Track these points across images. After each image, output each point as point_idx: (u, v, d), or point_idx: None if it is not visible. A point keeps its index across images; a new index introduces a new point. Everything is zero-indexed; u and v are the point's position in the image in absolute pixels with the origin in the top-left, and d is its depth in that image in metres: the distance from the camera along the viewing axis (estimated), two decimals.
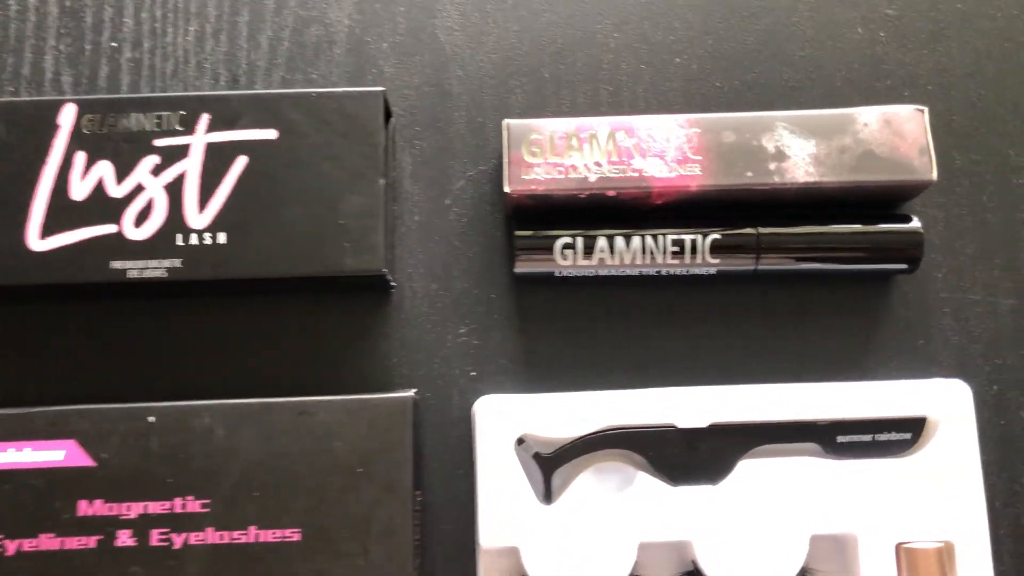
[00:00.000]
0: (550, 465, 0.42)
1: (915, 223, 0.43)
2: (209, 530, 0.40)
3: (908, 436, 0.42)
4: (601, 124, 0.43)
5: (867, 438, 0.42)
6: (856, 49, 0.47)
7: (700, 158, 0.42)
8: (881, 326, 0.45)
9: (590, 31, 0.47)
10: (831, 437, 0.42)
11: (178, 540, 0.40)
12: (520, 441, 0.42)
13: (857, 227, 0.43)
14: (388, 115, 0.46)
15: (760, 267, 0.43)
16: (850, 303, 0.45)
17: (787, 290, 0.45)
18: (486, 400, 0.42)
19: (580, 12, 0.48)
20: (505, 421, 0.42)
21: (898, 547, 0.41)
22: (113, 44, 0.47)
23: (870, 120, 0.43)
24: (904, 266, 0.44)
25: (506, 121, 0.42)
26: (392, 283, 0.45)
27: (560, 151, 0.42)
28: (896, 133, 0.43)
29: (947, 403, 0.42)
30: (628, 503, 0.42)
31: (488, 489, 0.42)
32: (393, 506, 0.41)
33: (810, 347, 0.44)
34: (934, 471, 0.42)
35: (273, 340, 0.44)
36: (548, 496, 0.42)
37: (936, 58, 0.47)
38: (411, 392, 0.42)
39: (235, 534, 0.40)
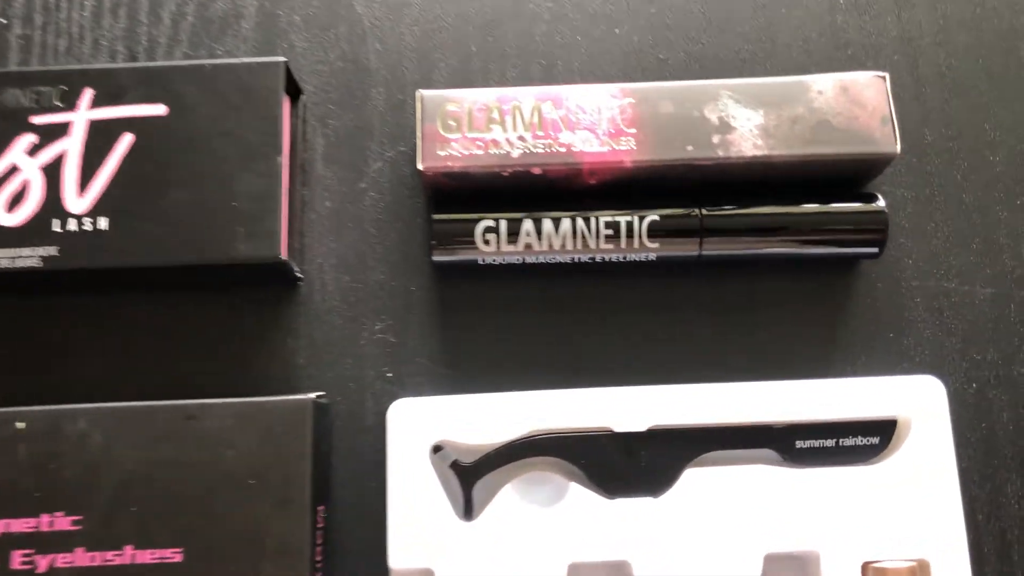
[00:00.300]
0: (470, 476, 0.37)
1: (880, 202, 0.39)
2: (79, 551, 0.35)
3: (876, 440, 0.37)
4: (525, 95, 0.39)
5: (830, 443, 0.37)
6: (813, 17, 0.43)
7: (635, 131, 0.38)
8: (844, 318, 0.40)
9: (520, 1, 0.44)
10: (789, 442, 0.37)
11: (43, 563, 0.35)
12: (437, 449, 0.37)
13: (814, 207, 0.39)
14: (297, 92, 0.42)
15: (705, 252, 0.39)
16: (808, 292, 0.40)
17: (736, 278, 0.40)
18: (401, 404, 0.38)
19: None
20: (421, 426, 0.37)
21: (865, 566, 0.36)
22: (2, 21, 0.43)
23: (825, 88, 0.38)
24: (869, 251, 0.39)
25: (420, 92, 0.38)
26: (299, 275, 0.40)
27: (480, 124, 0.38)
28: (854, 102, 0.38)
29: (920, 403, 0.38)
30: (559, 518, 0.37)
31: (400, 503, 0.37)
32: (289, 522, 0.36)
33: (763, 342, 0.40)
34: (906, 480, 0.37)
35: (163, 338, 0.39)
36: (468, 511, 0.37)
37: (902, 26, 0.43)
38: (312, 395, 0.37)
39: (109, 555, 0.35)
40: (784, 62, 0.43)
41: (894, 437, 0.37)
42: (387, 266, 0.41)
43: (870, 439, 0.38)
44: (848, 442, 0.37)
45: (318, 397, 0.37)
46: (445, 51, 0.43)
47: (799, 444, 0.38)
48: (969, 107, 0.42)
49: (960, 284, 0.40)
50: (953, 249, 0.41)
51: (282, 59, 0.39)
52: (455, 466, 0.37)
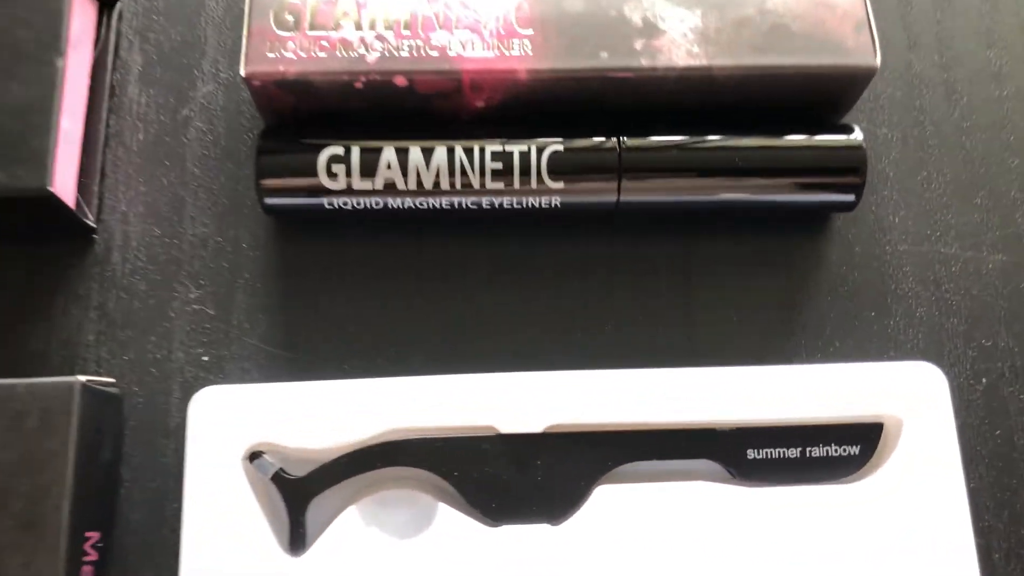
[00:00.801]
0: (301, 493, 0.27)
1: (856, 134, 0.30)
2: None
3: (856, 450, 0.28)
4: None
5: (793, 453, 0.28)
6: None
7: (532, 32, 0.29)
8: (811, 289, 0.30)
9: None
10: (737, 452, 0.28)
11: None
12: (255, 456, 0.27)
13: (768, 139, 0.29)
14: None
15: (625, 197, 0.29)
16: (764, 255, 0.31)
17: (667, 233, 0.31)
18: (208, 394, 0.27)
19: None
20: (234, 424, 0.27)
21: None
22: None
23: None
24: (842, 198, 0.30)
25: None
26: (91, 223, 0.30)
27: (325, 20, 0.29)
28: (820, 3, 0.29)
29: (913, 399, 0.28)
30: (422, 552, 0.27)
31: (200, 530, 0.26)
32: (38, 551, 0.25)
33: (702, 318, 0.30)
34: (896, 504, 0.27)
35: None
36: (297, 542, 0.27)
37: None
38: (81, 377, 0.27)
39: None
40: None
41: (879, 446, 0.28)
42: (212, 216, 0.31)
43: (847, 448, 0.28)
44: (817, 452, 0.28)
45: (92, 382, 0.27)
46: None
47: (751, 454, 0.28)
48: (968, 31, 0.33)
49: (962, 249, 0.31)
50: (952, 205, 0.31)
51: None
52: (279, 480, 0.27)
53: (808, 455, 0.28)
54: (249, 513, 0.27)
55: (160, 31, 0.33)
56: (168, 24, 0.33)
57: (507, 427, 0.27)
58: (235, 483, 0.27)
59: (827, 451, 0.28)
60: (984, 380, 0.30)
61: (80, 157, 0.31)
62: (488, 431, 0.27)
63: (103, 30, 0.32)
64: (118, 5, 0.33)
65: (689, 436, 0.28)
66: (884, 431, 0.28)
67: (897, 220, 0.31)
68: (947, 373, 0.28)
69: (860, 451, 0.28)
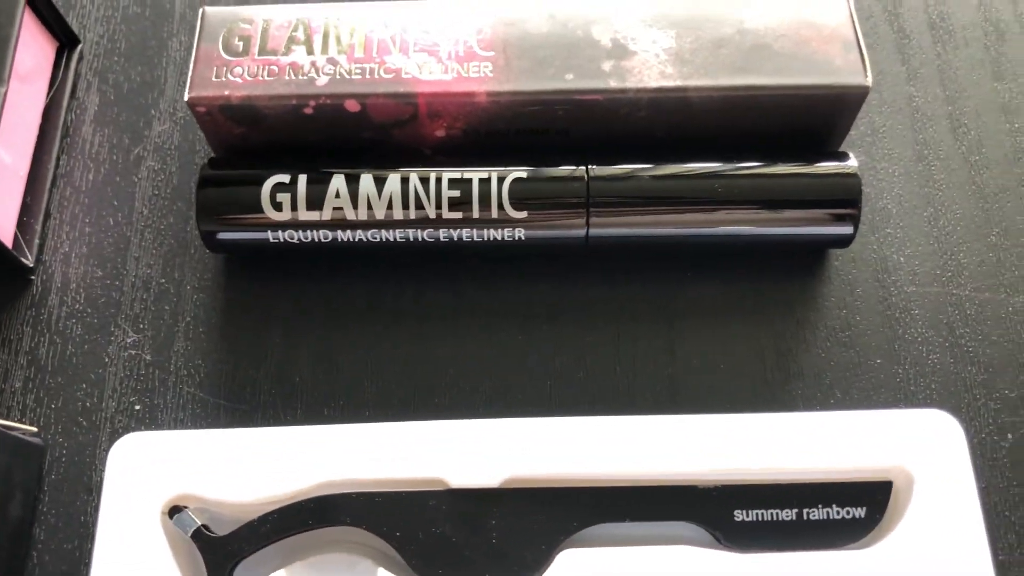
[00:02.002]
0: (225, 555, 0.24)
1: (849, 161, 0.27)
2: None
3: (861, 512, 0.24)
4: (348, 9, 0.28)
5: (788, 516, 0.24)
6: None
7: (493, 54, 0.27)
8: (808, 333, 0.27)
9: None
10: (723, 513, 0.24)
11: None
12: (175, 510, 0.24)
13: (753, 166, 0.27)
14: (72, 40, 0.32)
15: (595, 231, 0.27)
16: (755, 295, 0.28)
17: (642, 271, 0.28)
18: (130, 440, 0.25)
19: None
20: (153, 474, 0.24)
21: None
22: None
23: (762, 5, 0.28)
24: (836, 231, 0.27)
25: (203, 8, 0.28)
26: (27, 263, 0.28)
27: (276, 45, 0.27)
28: (805, 22, 0.27)
29: (924, 451, 0.24)
30: None
31: None
32: None
33: (687, 363, 0.27)
34: None
35: None
36: None
37: None
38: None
39: None
40: None
41: (888, 507, 0.24)
42: (156, 257, 0.29)
43: (851, 510, 0.24)
44: (816, 514, 0.24)
45: (7, 427, 0.25)
46: None
47: (739, 516, 0.24)
48: (972, 62, 0.31)
49: (977, 291, 0.28)
50: (964, 243, 0.28)
51: None
52: (201, 538, 0.24)
53: (805, 518, 0.24)
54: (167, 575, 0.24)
55: (120, 71, 0.32)
56: (129, 65, 0.32)
57: (459, 480, 0.24)
58: (152, 540, 0.24)
59: (827, 513, 0.24)
60: (1010, 436, 0.26)
61: (24, 196, 0.29)
62: (437, 485, 0.24)
63: (60, 71, 0.31)
64: (79, 46, 0.32)
65: (668, 494, 0.24)
66: (893, 490, 0.24)
67: (903, 259, 0.28)
68: (967, 427, 0.25)
69: (866, 513, 0.24)
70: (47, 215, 0.29)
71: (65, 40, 0.32)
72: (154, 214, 0.29)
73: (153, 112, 0.31)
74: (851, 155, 0.27)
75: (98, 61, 0.32)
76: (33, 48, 0.30)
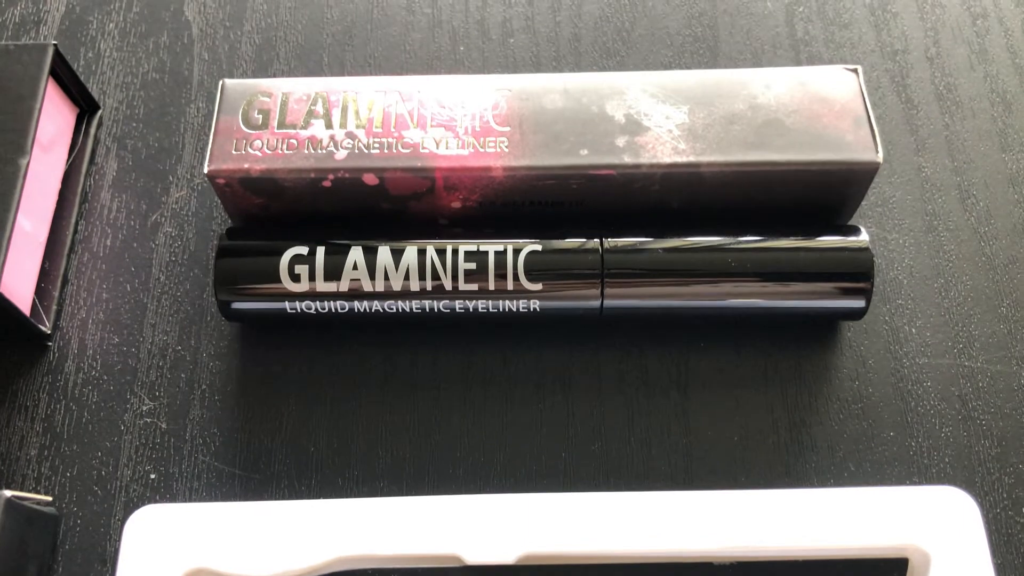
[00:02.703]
0: None
1: (861, 236, 0.27)
2: None
3: None
4: (366, 83, 0.28)
5: None
6: (765, 27, 0.34)
7: (509, 129, 0.27)
8: (820, 406, 0.27)
9: (391, 5, 0.34)
10: None
11: None
12: None
13: (765, 241, 0.27)
14: (93, 106, 0.32)
15: (609, 302, 0.27)
16: (767, 367, 0.28)
17: (659, 343, 0.28)
18: (146, 512, 0.25)
19: None
20: (170, 546, 0.24)
21: None
22: None
23: (774, 82, 0.28)
24: (848, 304, 0.27)
25: (223, 80, 0.28)
26: (45, 330, 0.29)
27: (295, 118, 0.28)
28: (816, 98, 0.28)
29: (940, 529, 0.24)
30: None
31: None
32: None
33: (701, 435, 0.27)
34: None
35: None
36: None
37: (882, 38, 0.33)
38: (8, 493, 0.24)
39: None
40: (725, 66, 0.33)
41: None
42: (173, 324, 0.29)
43: None
44: None
45: (21, 498, 0.25)
46: (290, 62, 0.33)
47: None
48: (979, 133, 0.31)
49: (988, 363, 0.28)
50: (974, 315, 0.29)
51: (51, 42, 0.29)
52: None
53: None
54: None
55: (138, 137, 0.32)
56: (147, 131, 0.32)
57: (474, 557, 0.24)
58: None
59: None
60: None
61: (42, 261, 0.29)
62: (452, 561, 0.24)
63: (80, 136, 0.32)
64: (98, 112, 0.32)
65: (684, 571, 0.24)
66: (909, 568, 0.24)
67: (914, 331, 0.28)
68: (981, 502, 0.25)
69: None
70: (65, 281, 0.30)
71: (85, 106, 0.32)
72: (171, 281, 0.30)
73: (171, 178, 0.31)
74: (863, 229, 0.27)
75: (117, 127, 0.32)
76: (55, 116, 0.30)
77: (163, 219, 0.31)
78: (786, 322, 0.28)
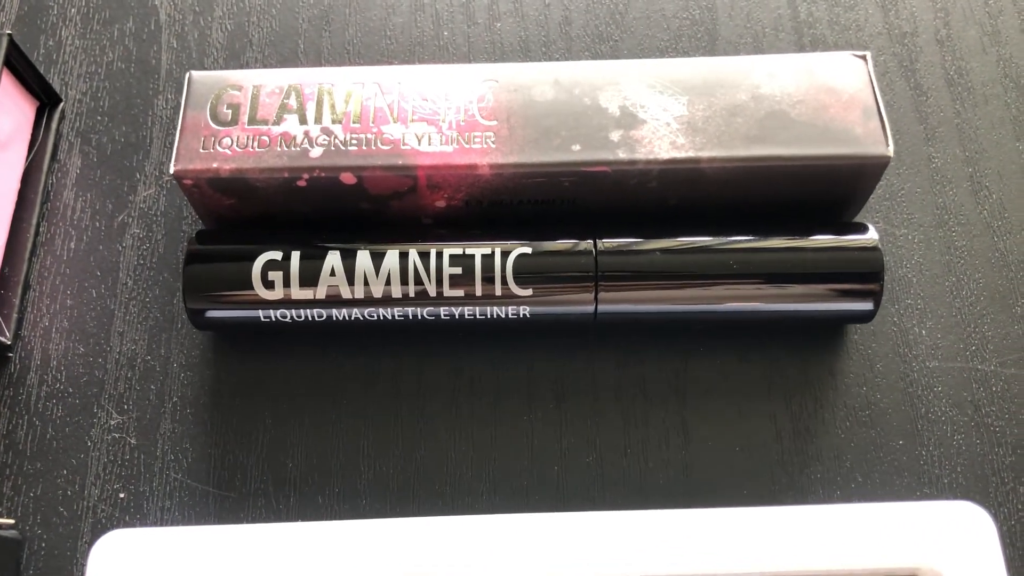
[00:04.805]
0: None
1: (870, 234, 0.26)
2: None
3: None
4: (343, 74, 0.27)
5: None
6: (766, 8, 0.32)
7: (496, 124, 0.26)
8: (826, 413, 0.26)
9: None
10: None
11: None
12: None
13: (769, 241, 0.26)
14: (54, 99, 0.30)
15: (604, 307, 0.25)
16: (770, 373, 0.26)
17: (657, 350, 0.27)
18: (114, 538, 0.23)
19: None
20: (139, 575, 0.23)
21: None
22: None
23: (778, 70, 0.26)
24: (856, 307, 0.26)
25: (190, 72, 0.26)
26: (6, 341, 0.27)
27: (267, 113, 0.26)
28: (823, 88, 0.26)
29: (953, 546, 0.23)
30: None
31: None
32: None
33: (701, 446, 0.26)
34: None
35: None
36: None
37: (889, 20, 0.32)
38: None
39: None
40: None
41: None
42: (142, 332, 0.27)
43: None
44: None
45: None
46: (264, 48, 0.31)
47: None
48: (992, 121, 0.30)
49: (1002, 366, 0.26)
50: (987, 315, 0.27)
51: (5, 32, 0.27)
52: None
53: None
54: None
55: (103, 131, 0.30)
56: (112, 124, 0.30)
57: None
58: None
59: None
60: None
61: (1, 266, 0.28)
62: None
63: (40, 131, 0.30)
64: (60, 105, 0.30)
65: None
66: None
67: (924, 332, 0.27)
68: (995, 513, 0.23)
69: None
70: (26, 287, 0.28)
71: (46, 99, 0.30)
72: (139, 286, 0.28)
73: (138, 176, 0.30)
74: (871, 227, 0.26)
75: (80, 121, 0.30)
76: (11, 110, 0.28)
77: (130, 219, 0.29)
78: (790, 325, 0.27)
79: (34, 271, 0.28)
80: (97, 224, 0.29)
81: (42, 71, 0.30)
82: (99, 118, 0.30)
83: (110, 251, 0.29)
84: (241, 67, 0.31)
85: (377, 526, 0.24)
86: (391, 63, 0.31)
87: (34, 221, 0.29)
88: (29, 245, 0.28)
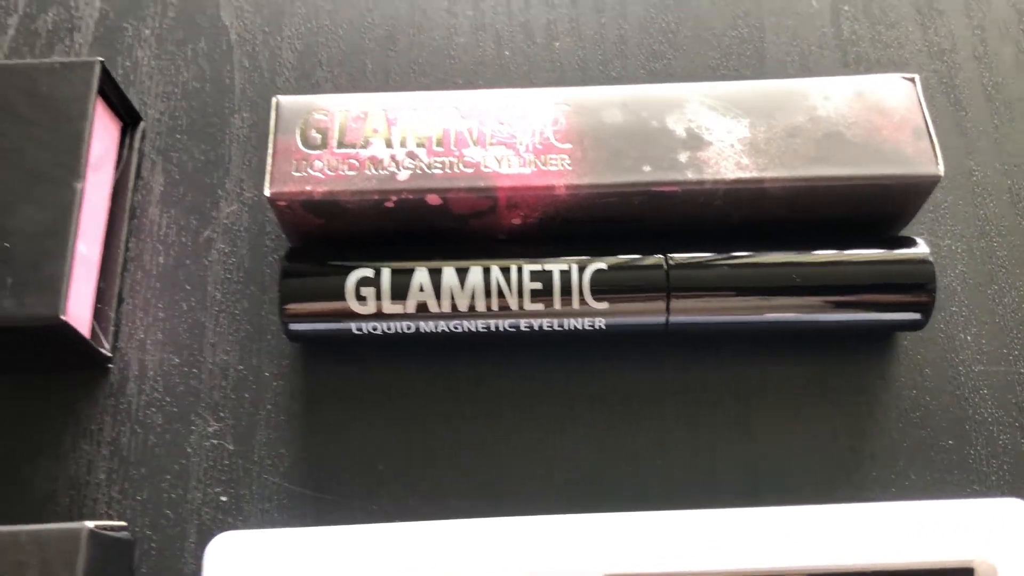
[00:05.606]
0: None
1: (921, 247, 0.28)
2: None
3: None
4: (421, 100, 0.28)
5: None
6: (811, 27, 0.33)
7: (570, 147, 0.27)
8: (879, 415, 0.28)
9: (433, 7, 0.34)
10: None
11: None
12: None
13: (834, 254, 0.27)
14: (135, 118, 0.32)
15: (674, 319, 0.27)
16: (825, 377, 0.28)
17: (719, 356, 0.28)
18: (227, 539, 0.25)
19: None
20: (254, 575, 0.25)
21: None
22: None
23: (832, 93, 0.28)
24: (908, 317, 0.28)
25: (277, 97, 0.28)
26: (106, 352, 0.29)
27: (355, 137, 0.27)
28: (875, 109, 0.28)
29: (1003, 542, 0.25)
30: None
31: None
32: None
33: (760, 450, 0.27)
34: None
35: None
36: None
37: (929, 37, 0.33)
38: (88, 524, 0.25)
39: None
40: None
41: None
42: (233, 343, 0.29)
43: None
44: None
45: (104, 527, 0.25)
46: (333, 67, 0.33)
47: None
48: None
49: None
50: None
51: (98, 59, 0.29)
52: None
53: None
54: None
55: (183, 150, 0.32)
56: (192, 143, 0.32)
57: None
58: None
59: None
60: None
61: (97, 282, 0.29)
62: None
63: (125, 150, 0.31)
64: (141, 124, 0.32)
65: None
66: None
67: (969, 338, 0.29)
68: None
69: None
70: (120, 301, 0.30)
71: (128, 119, 0.32)
72: (227, 299, 0.30)
73: (219, 192, 0.31)
74: (921, 241, 0.28)
75: (160, 139, 0.32)
76: (102, 133, 0.30)
77: (215, 235, 0.30)
78: (844, 333, 0.28)
79: (126, 286, 0.30)
80: (183, 240, 0.30)
81: (123, 91, 0.31)
82: (178, 136, 0.32)
83: (197, 265, 0.30)
84: (313, 86, 0.33)
85: (469, 525, 0.25)
86: (456, 81, 0.33)
87: (123, 238, 0.30)
88: (120, 261, 0.30)
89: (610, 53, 0.33)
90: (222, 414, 0.28)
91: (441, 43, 0.33)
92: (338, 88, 0.33)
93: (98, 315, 0.29)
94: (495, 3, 0.34)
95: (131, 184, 0.31)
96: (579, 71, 0.33)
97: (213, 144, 0.32)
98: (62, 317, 0.26)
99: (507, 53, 0.33)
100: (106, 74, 0.29)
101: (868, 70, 0.33)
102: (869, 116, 0.28)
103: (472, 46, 0.33)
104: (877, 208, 0.28)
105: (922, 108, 0.28)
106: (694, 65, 0.33)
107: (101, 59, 0.29)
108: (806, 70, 0.33)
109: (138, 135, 0.32)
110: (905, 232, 0.29)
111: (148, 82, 0.33)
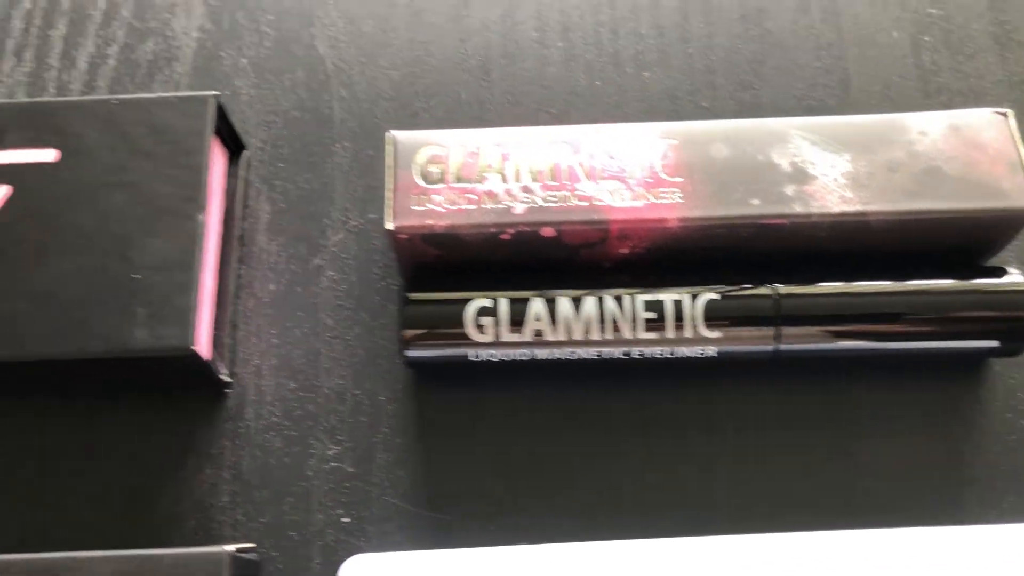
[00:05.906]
0: None
1: (1015, 275, 0.29)
2: None
3: None
4: (532, 136, 0.29)
5: None
6: (893, 58, 0.35)
7: (681, 180, 0.28)
8: (976, 438, 0.29)
9: (524, 39, 0.35)
10: None
11: None
12: None
13: (942, 284, 0.28)
14: (239, 147, 0.33)
15: (783, 346, 0.28)
16: (922, 401, 0.29)
17: (822, 382, 0.30)
18: (357, 562, 0.26)
19: (511, 14, 0.35)
20: None
21: None
22: None
23: (929, 128, 0.29)
24: (1007, 345, 0.29)
25: (391, 132, 0.29)
26: (226, 379, 0.30)
27: (471, 172, 0.28)
28: (970, 144, 0.29)
29: None
30: None
31: None
32: None
33: (868, 473, 0.29)
34: None
35: (25, 463, 0.28)
36: None
37: (1008, 67, 0.34)
38: (231, 547, 0.26)
39: None
40: (859, 111, 0.33)
41: None
42: (348, 368, 0.30)
43: None
44: None
45: (240, 550, 0.26)
46: (429, 98, 0.34)
47: None
48: None
49: None
50: None
51: (211, 93, 0.30)
52: None
53: None
54: None
55: (287, 179, 0.33)
56: (294, 172, 0.33)
57: None
58: None
59: None
60: None
61: (214, 309, 0.30)
62: None
63: (232, 180, 0.32)
64: (245, 153, 0.33)
65: None
66: None
67: None
68: None
69: None
70: (234, 327, 0.31)
71: (234, 148, 0.32)
72: (339, 325, 0.31)
73: (326, 221, 0.32)
74: (1015, 271, 0.29)
75: (264, 167, 0.33)
76: (214, 164, 0.31)
77: (324, 263, 0.31)
78: (939, 359, 0.30)
79: (240, 312, 0.31)
80: (293, 267, 0.31)
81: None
82: (281, 166, 0.33)
83: (308, 293, 0.31)
84: (411, 116, 0.33)
85: (591, 549, 0.26)
86: (550, 111, 0.34)
87: (234, 265, 0.31)
88: (232, 288, 0.31)
89: (699, 83, 0.34)
90: (339, 437, 0.29)
91: (533, 74, 0.34)
92: (435, 118, 0.33)
93: (215, 342, 0.30)
94: (583, 34, 0.35)
95: (239, 212, 0.32)
96: (669, 100, 0.34)
97: (316, 173, 0.33)
98: (193, 348, 0.27)
99: (598, 83, 0.34)
100: (219, 107, 0.30)
101: (950, 100, 0.34)
102: (967, 151, 0.29)
103: (564, 76, 0.34)
104: (972, 239, 0.29)
105: (1015, 142, 0.29)
106: (781, 95, 0.34)
107: (215, 92, 0.30)
108: (888, 99, 0.34)
109: (244, 163, 0.33)
110: (996, 263, 0.30)
111: (248, 111, 0.34)
